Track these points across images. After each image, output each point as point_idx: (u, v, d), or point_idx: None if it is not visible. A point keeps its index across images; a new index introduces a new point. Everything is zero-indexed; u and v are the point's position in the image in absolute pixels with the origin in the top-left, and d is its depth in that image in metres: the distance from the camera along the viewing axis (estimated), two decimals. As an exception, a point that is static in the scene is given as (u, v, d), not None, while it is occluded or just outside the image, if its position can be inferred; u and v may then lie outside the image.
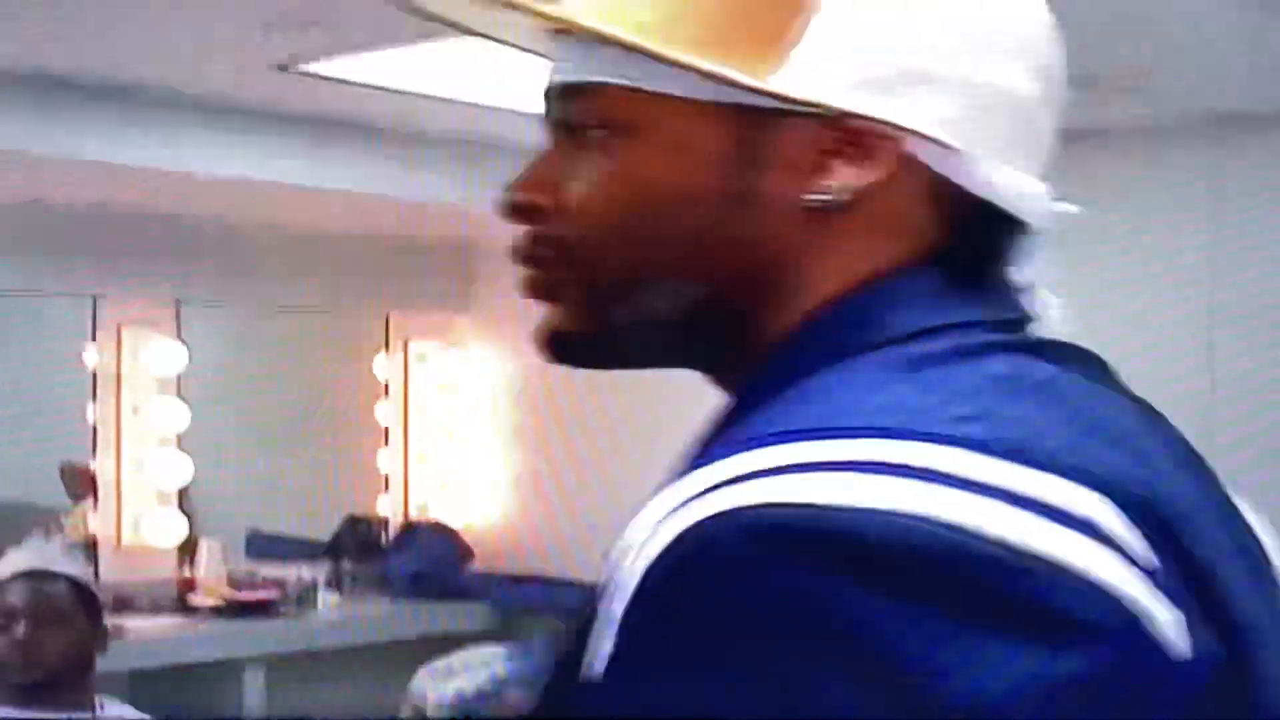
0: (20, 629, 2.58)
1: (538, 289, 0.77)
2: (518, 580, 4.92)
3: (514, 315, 4.68)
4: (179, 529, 4.70)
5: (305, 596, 4.55)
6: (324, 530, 5.02)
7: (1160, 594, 0.60)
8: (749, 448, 0.63)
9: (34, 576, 2.63)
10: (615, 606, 0.62)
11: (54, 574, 2.65)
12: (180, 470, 4.73)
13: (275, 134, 3.85)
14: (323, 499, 5.09)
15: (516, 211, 0.77)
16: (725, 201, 0.72)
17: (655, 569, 0.61)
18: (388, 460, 5.27)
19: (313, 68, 3.27)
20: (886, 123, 0.71)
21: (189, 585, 4.55)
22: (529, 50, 0.79)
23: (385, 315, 5.21)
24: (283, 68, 3.28)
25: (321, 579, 4.67)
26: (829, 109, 0.71)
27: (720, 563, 0.59)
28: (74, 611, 2.63)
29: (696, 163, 0.72)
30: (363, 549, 5.01)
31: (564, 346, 0.77)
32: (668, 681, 0.58)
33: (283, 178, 3.91)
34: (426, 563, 4.88)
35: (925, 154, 0.72)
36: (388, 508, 5.23)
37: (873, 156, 0.71)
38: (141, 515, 4.68)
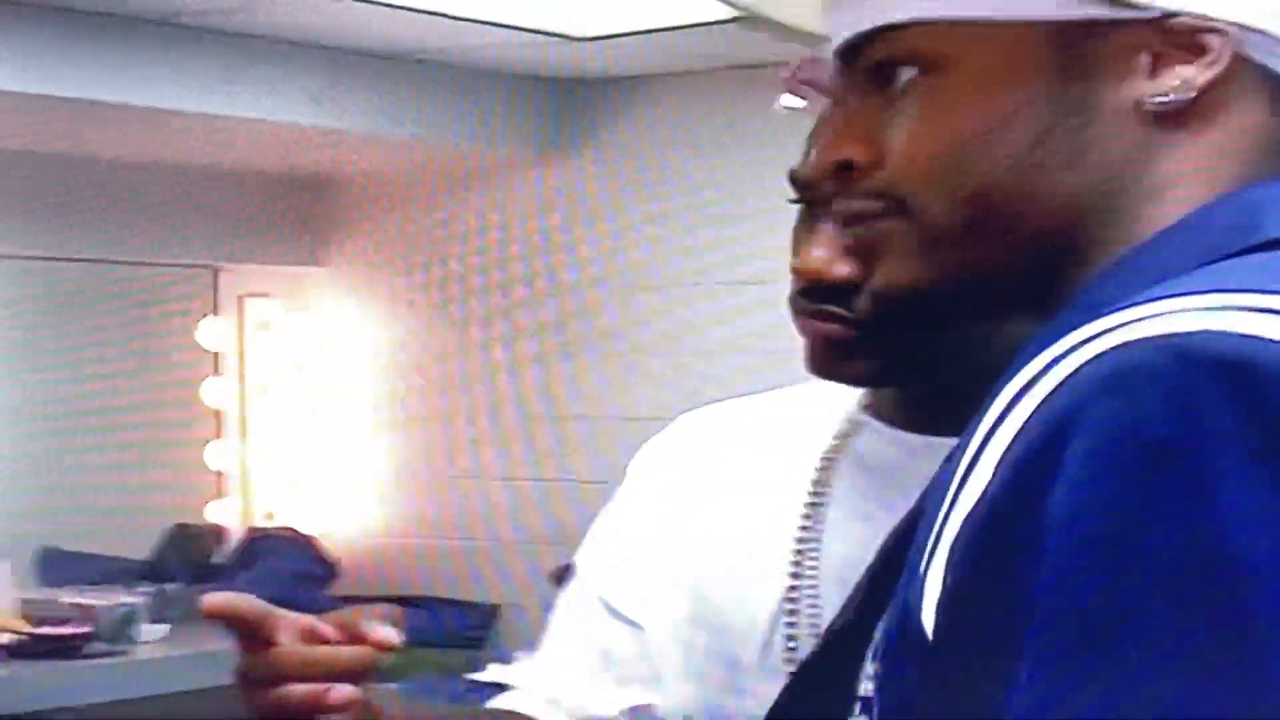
0: None
1: (863, 248, 0.86)
2: (394, 603, 4.58)
3: (381, 268, 4.77)
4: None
5: (122, 630, 4.24)
6: (142, 545, 4.77)
7: None
8: (1153, 299, 0.69)
9: None
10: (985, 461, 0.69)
11: None
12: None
13: (52, 27, 3.52)
14: (140, 505, 4.85)
15: (833, 172, 0.85)
16: (1059, 117, 0.80)
17: (1075, 399, 0.66)
18: (222, 454, 5.02)
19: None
20: (1213, 18, 0.79)
21: (-33, 620, 4.24)
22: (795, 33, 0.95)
23: (214, 269, 4.94)
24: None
25: (142, 606, 4.32)
26: (1152, 9, 0.79)
27: (1174, 386, 0.64)
28: None
29: (1022, 85, 0.81)
30: (194, 568, 4.74)
31: (892, 305, 0.85)
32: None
33: (67, 90, 3.59)
34: (276, 584, 4.53)
35: (1260, 53, 0.80)
36: (224, 514, 5.02)
37: (1205, 53, 0.79)
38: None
